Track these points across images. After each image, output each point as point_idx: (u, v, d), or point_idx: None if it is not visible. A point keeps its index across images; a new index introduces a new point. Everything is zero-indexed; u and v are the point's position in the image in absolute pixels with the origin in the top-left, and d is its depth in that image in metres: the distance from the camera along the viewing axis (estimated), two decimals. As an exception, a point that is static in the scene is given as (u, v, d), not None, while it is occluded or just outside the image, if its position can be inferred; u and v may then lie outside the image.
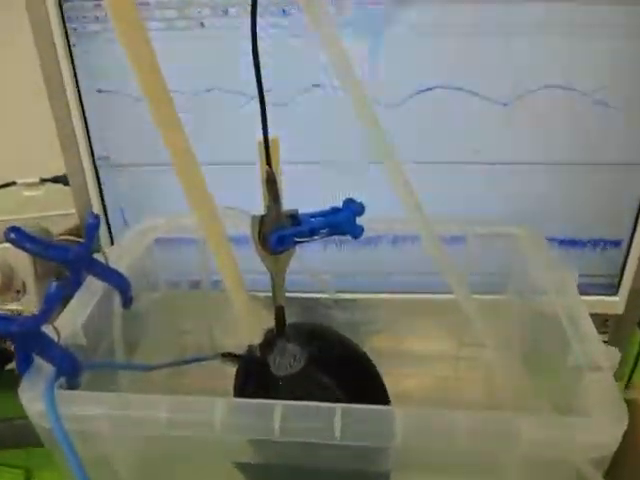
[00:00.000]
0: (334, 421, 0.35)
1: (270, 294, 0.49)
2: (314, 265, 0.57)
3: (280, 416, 0.36)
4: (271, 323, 0.51)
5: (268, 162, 0.40)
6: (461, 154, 0.58)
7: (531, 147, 0.58)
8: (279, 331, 0.50)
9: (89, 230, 0.43)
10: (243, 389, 0.51)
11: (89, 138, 0.58)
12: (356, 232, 0.45)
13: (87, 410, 0.36)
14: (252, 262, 0.45)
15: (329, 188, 0.51)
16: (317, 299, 0.61)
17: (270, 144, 0.39)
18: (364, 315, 0.61)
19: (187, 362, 0.52)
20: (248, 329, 0.50)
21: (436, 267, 0.41)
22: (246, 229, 0.44)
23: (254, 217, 0.43)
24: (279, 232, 0.42)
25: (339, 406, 0.36)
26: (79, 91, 0.57)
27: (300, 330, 0.55)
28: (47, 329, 0.38)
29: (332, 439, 0.35)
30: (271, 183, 0.41)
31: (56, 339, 0.39)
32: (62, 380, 0.39)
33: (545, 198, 0.59)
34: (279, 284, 0.47)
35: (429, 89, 0.56)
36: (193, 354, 0.58)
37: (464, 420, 0.35)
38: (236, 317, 0.49)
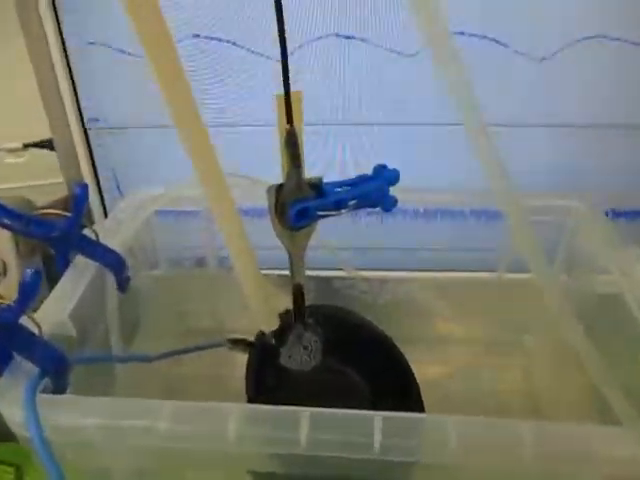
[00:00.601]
0: (373, 433, 0.29)
1: (285, 272, 0.42)
2: (329, 238, 0.51)
3: (308, 427, 0.30)
4: (286, 306, 0.45)
5: (289, 119, 0.33)
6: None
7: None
8: (298, 315, 0.44)
9: (76, 202, 0.36)
10: (257, 382, 0.45)
11: (77, 97, 0.51)
12: (388, 204, 0.38)
13: (75, 419, 0.30)
14: (266, 237, 0.39)
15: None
16: (334, 278, 0.54)
17: (292, 98, 0.32)
18: (388, 295, 0.54)
19: (191, 350, 0.46)
20: (260, 313, 0.43)
21: (516, 241, 0.33)
22: (259, 200, 0.38)
23: (271, 187, 0.36)
24: (300, 204, 0.35)
25: (379, 415, 0.30)
26: (64, 45, 0.49)
27: (319, 314, 0.48)
28: (27, 321, 0.32)
29: (370, 453, 0.29)
30: (291, 144, 0.34)
31: (37, 332, 0.32)
32: (47, 381, 0.32)
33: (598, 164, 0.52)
34: (298, 264, 0.41)
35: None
36: (198, 340, 0.52)
37: (531, 432, 0.29)
38: (246, 299, 0.42)
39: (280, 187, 0.35)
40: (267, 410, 0.31)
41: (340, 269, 0.55)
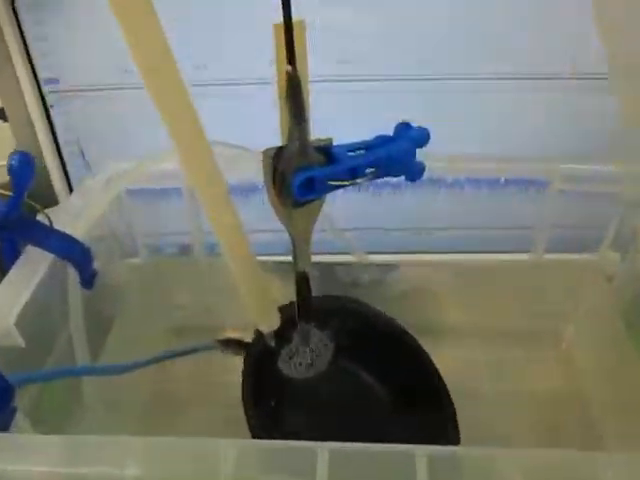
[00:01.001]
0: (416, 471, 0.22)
1: (286, 259, 0.35)
2: (334, 216, 0.43)
3: (327, 467, 0.22)
4: (287, 299, 0.38)
5: (290, 57, 0.25)
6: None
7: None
8: (302, 309, 0.36)
9: (16, 178, 0.28)
10: (255, 390, 0.38)
11: (28, 54, 0.43)
12: (414, 172, 0.31)
13: (19, 465, 0.23)
14: (261, 217, 0.32)
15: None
16: (339, 264, 0.46)
17: (293, 29, 0.24)
18: (404, 283, 0.47)
19: (175, 356, 0.39)
20: (256, 308, 0.36)
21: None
22: (251, 174, 0.30)
23: (267, 150, 0.28)
24: (305, 173, 0.28)
25: (424, 449, 0.22)
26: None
27: (325, 307, 0.41)
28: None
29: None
30: (293, 92, 0.26)
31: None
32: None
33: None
34: (302, 249, 0.33)
35: None
36: (185, 340, 0.45)
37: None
38: (240, 292, 0.35)
39: (279, 151, 0.27)
40: (273, 447, 0.24)
41: (346, 253, 0.47)
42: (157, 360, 0.38)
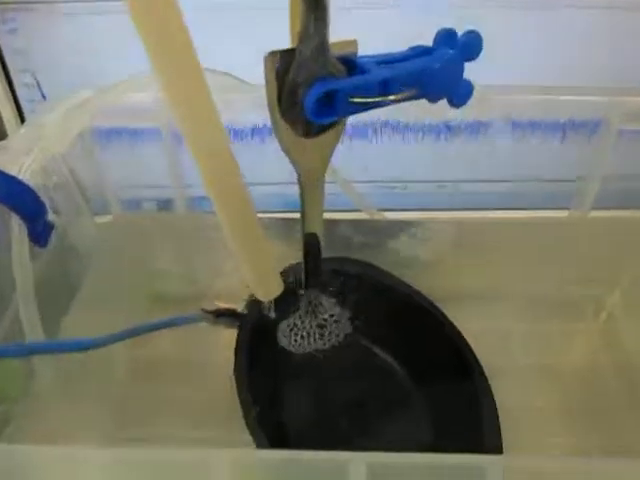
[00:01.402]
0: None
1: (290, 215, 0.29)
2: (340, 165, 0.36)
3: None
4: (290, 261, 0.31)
5: None
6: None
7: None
8: (310, 275, 0.29)
9: None
10: (251, 371, 0.31)
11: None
12: (461, 93, 0.24)
13: None
14: (255, 164, 0.25)
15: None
16: (347, 220, 0.40)
17: None
18: (420, 243, 0.40)
19: (154, 329, 0.32)
20: (254, 273, 0.29)
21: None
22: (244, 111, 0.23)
23: (272, 55, 0.21)
24: (325, 84, 0.20)
25: (497, 461, 0.16)
26: None
27: (338, 272, 0.34)
28: None
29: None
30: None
31: None
32: None
33: None
34: (313, 197, 0.26)
35: None
36: (166, 311, 0.38)
37: None
38: (234, 254, 0.28)
39: (289, 55, 0.20)
40: (288, 459, 0.17)
41: (354, 210, 0.40)
42: (132, 334, 0.31)
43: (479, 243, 0.40)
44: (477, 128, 0.38)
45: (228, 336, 0.33)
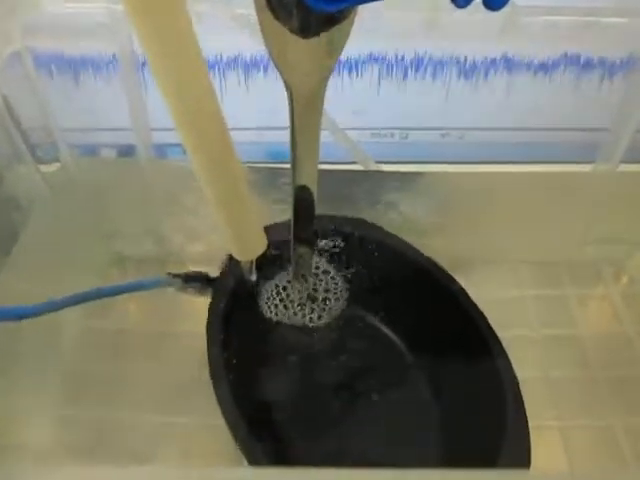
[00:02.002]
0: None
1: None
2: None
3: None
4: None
5: None
6: None
7: None
8: (302, 234, 0.24)
9: None
10: (226, 344, 0.26)
11: None
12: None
13: None
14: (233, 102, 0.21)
15: None
16: (340, 172, 0.34)
17: None
18: (424, 200, 0.35)
19: (113, 294, 0.26)
20: (233, 228, 0.24)
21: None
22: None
23: None
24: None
25: None
26: None
27: (331, 232, 0.29)
28: None
29: None
30: None
31: None
32: None
33: None
34: (307, 132, 0.20)
35: None
36: (126, 274, 0.33)
37: None
38: (212, 210, 0.23)
39: None
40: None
41: (349, 163, 0.35)
42: (82, 300, 0.25)
43: (488, 200, 0.35)
44: (493, 64, 0.32)
45: (201, 305, 0.28)
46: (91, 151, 0.36)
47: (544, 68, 0.33)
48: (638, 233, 0.35)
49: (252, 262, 0.25)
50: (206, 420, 0.28)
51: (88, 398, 0.29)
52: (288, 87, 0.18)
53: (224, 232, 0.24)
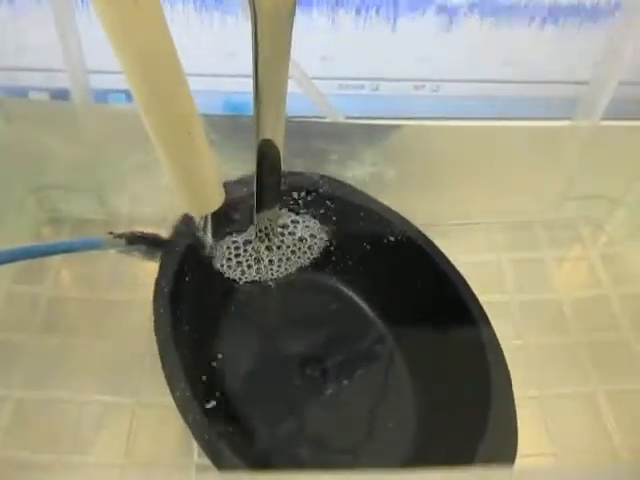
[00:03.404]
0: None
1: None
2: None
3: None
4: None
5: None
6: None
7: None
8: (265, 191, 0.21)
9: None
10: (176, 315, 0.23)
11: None
12: None
13: None
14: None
15: None
16: (307, 124, 0.31)
17: None
18: (395, 156, 0.33)
19: (45, 254, 0.22)
20: (185, 180, 0.20)
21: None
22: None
23: None
24: None
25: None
26: None
27: (295, 189, 0.26)
28: None
29: None
30: None
31: None
32: None
33: None
34: (273, 70, 0.17)
35: None
36: (62, 236, 0.29)
37: None
38: (163, 163, 0.19)
39: None
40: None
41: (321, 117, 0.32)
42: (9, 259, 0.21)
43: (460, 157, 0.32)
44: (475, 5, 0.30)
45: (148, 270, 0.24)
46: (18, 93, 0.31)
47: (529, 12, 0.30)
48: (618, 189, 0.33)
49: (207, 219, 0.21)
50: (153, 400, 0.25)
51: (14, 374, 0.25)
52: (255, 15, 0.15)
53: (176, 184, 0.20)
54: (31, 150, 0.29)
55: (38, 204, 0.30)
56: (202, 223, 0.22)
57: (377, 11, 0.30)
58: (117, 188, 0.30)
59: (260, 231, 0.23)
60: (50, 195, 0.30)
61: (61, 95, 0.31)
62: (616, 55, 0.30)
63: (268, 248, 0.24)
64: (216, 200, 0.21)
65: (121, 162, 0.29)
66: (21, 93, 0.31)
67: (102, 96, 0.31)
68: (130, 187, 0.30)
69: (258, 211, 0.23)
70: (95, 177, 0.30)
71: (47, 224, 0.30)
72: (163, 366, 0.21)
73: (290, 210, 0.26)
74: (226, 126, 0.29)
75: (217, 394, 0.23)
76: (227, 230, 0.24)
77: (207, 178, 0.20)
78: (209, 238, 0.22)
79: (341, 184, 0.27)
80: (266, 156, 0.21)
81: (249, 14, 0.17)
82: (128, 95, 0.33)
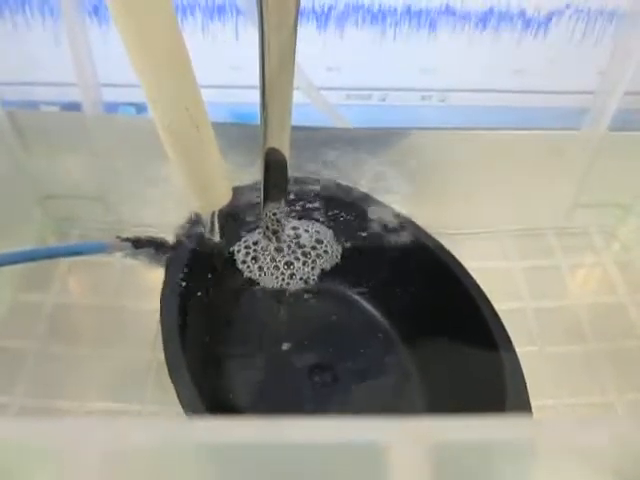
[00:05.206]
0: None
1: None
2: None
3: None
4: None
5: None
6: None
7: None
8: (272, 198, 0.21)
9: None
10: (183, 319, 0.22)
11: None
12: None
13: None
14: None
15: None
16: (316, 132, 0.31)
17: None
18: (404, 166, 0.32)
19: (45, 256, 0.22)
20: (195, 177, 0.20)
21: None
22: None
23: None
24: None
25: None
26: None
27: (304, 195, 0.26)
28: None
29: None
30: None
31: None
32: None
33: None
34: (279, 86, 0.17)
35: None
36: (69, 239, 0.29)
37: None
38: (170, 153, 0.19)
39: None
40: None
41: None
42: (15, 261, 0.21)
43: (470, 165, 0.32)
44: (484, 16, 0.30)
45: (155, 276, 0.24)
46: (27, 105, 0.31)
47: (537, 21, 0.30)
48: (629, 196, 0.33)
49: (215, 216, 0.21)
50: (161, 410, 0.24)
51: (19, 383, 0.25)
52: (262, 25, 0.15)
53: (184, 180, 0.20)
54: (34, 157, 0.29)
55: (45, 213, 0.30)
56: (209, 221, 0.22)
57: (383, 22, 0.31)
58: (125, 197, 0.30)
59: (267, 229, 0.23)
60: (57, 204, 0.30)
61: (72, 108, 0.31)
62: (621, 65, 0.30)
63: (278, 250, 0.23)
64: (223, 197, 0.21)
65: (133, 167, 0.29)
66: (33, 107, 0.31)
67: (112, 108, 0.32)
68: (138, 196, 0.30)
69: (264, 217, 0.22)
70: (103, 186, 0.30)
71: (54, 234, 0.30)
72: (170, 372, 0.20)
73: (301, 217, 0.26)
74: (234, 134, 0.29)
75: (225, 398, 0.22)
76: (236, 232, 0.24)
77: (214, 174, 0.20)
78: (217, 236, 0.22)
79: (354, 191, 0.27)
80: (273, 163, 0.21)
81: (255, 25, 0.17)
82: (138, 108, 0.33)
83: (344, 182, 0.28)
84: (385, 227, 0.26)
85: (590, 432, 0.09)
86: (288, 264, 0.25)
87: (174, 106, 0.19)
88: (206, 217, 0.21)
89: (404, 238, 0.26)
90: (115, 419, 0.17)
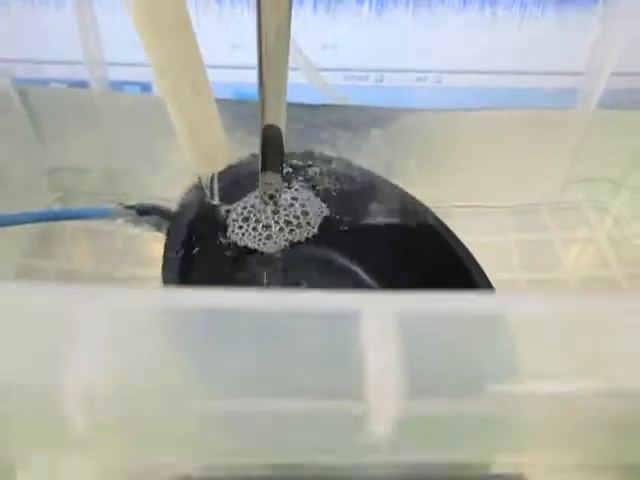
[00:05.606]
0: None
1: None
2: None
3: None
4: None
5: None
6: None
7: None
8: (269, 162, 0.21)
9: None
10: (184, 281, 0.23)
11: None
12: None
13: None
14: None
15: None
16: (313, 109, 0.32)
17: None
18: (400, 140, 0.33)
19: (49, 218, 0.23)
20: (197, 142, 0.21)
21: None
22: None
23: None
24: None
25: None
26: None
27: (300, 166, 0.27)
28: None
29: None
30: None
31: None
32: None
33: None
34: (276, 63, 0.18)
35: None
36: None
37: None
38: (172, 115, 0.20)
39: None
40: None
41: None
42: (21, 221, 0.22)
43: (464, 142, 0.33)
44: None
45: (159, 246, 0.25)
46: (29, 81, 0.32)
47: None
48: (624, 171, 0.33)
49: (214, 179, 0.22)
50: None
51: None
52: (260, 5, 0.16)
53: (185, 143, 0.21)
54: (49, 134, 0.30)
55: (52, 185, 0.31)
56: (209, 182, 0.22)
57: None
58: (130, 171, 0.31)
59: (265, 193, 0.24)
60: (64, 177, 0.31)
61: (80, 86, 0.32)
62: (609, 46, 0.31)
63: (274, 212, 0.24)
64: (222, 160, 0.22)
65: (138, 143, 0.30)
66: (43, 84, 0.33)
67: (119, 87, 0.33)
68: (142, 170, 0.31)
69: (262, 188, 0.23)
70: (108, 160, 0.31)
71: (60, 205, 0.31)
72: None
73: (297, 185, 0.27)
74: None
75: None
76: (236, 197, 0.24)
77: (214, 138, 0.21)
78: (215, 199, 0.23)
79: (348, 163, 0.28)
80: (270, 139, 0.22)
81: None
82: (143, 86, 0.34)
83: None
84: (380, 197, 0.27)
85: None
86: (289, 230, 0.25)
87: (181, 77, 0.20)
88: (206, 180, 0.22)
89: (402, 209, 0.27)
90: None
